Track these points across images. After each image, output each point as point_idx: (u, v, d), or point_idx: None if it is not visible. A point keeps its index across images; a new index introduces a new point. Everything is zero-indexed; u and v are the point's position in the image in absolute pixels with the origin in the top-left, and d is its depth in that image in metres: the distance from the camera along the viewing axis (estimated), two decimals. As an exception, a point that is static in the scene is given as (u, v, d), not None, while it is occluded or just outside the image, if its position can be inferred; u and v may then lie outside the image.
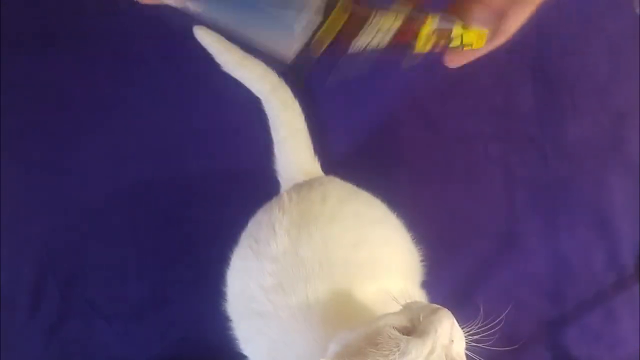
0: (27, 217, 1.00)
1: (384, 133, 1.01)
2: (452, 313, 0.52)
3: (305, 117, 0.91)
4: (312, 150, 0.90)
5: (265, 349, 0.62)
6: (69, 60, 1.02)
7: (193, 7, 0.42)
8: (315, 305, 0.60)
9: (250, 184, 0.97)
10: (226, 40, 0.91)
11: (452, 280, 0.97)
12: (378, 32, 0.44)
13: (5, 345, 0.96)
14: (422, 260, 0.77)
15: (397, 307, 0.54)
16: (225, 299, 0.74)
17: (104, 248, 0.99)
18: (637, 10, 1.03)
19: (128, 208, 1.00)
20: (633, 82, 1.03)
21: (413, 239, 0.77)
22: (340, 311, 0.60)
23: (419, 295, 0.71)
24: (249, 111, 0.95)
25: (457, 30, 0.47)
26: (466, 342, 0.52)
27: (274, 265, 0.63)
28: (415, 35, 0.46)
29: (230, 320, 0.73)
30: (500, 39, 0.49)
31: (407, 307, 0.51)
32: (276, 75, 0.91)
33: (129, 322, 0.98)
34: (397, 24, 0.44)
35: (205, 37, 0.89)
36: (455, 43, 0.48)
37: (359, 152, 1.00)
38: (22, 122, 1.02)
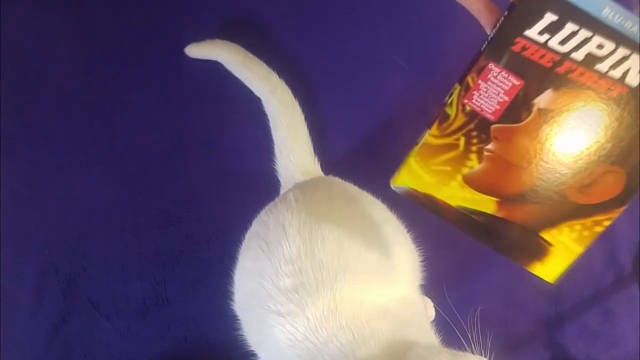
0: (28, 216, 1.00)
1: (384, 133, 1.01)
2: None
3: (305, 117, 0.91)
4: (312, 150, 0.90)
5: (285, 347, 0.62)
6: (70, 60, 1.02)
7: None
8: (342, 305, 0.61)
9: (250, 183, 0.98)
10: (227, 42, 0.92)
11: (450, 279, 0.97)
12: None
13: (8, 344, 0.97)
14: (421, 260, 0.78)
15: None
16: (233, 299, 0.74)
17: (106, 247, 0.99)
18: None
19: (129, 207, 1.00)
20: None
21: (413, 239, 0.77)
22: (365, 314, 0.62)
23: (421, 300, 0.72)
24: (249, 111, 0.95)
25: None
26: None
27: (290, 266, 0.63)
28: None
29: (238, 319, 0.73)
30: None
31: None
32: (277, 76, 0.91)
33: (130, 321, 0.98)
34: None
35: (199, 49, 0.91)
36: None
37: (359, 152, 1.00)
38: (22, 122, 1.02)
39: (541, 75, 0.42)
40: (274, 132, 0.91)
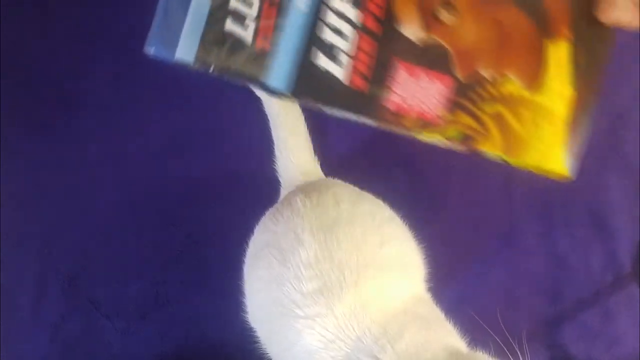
0: (28, 216, 1.00)
1: (384, 133, 1.01)
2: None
3: (305, 118, 0.91)
4: (312, 151, 0.90)
5: (316, 350, 0.62)
6: (71, 60, 1.02)
7: None
8: (369, 301, 0.62)
9: (250, 183, 0.98)
10: None
11: (450, 279, 0.98)
12: None
13: (8, 344, 0.97)
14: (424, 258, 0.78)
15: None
16: (246, 311, 0.74)
17: (106, 247, 0.99)
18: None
19: (129, 207, 1.00)
20: (632, 82, 1.03)
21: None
22: (390, 310, 0.63)
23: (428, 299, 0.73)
24: (249, 111, 0.95)
25: None
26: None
27: (310, 270, 0.64)
28: None
29: (253, 332, 0.73)
30: None
31: None
32: None
33: (130, 321, 0.98)
34: None
35: None
36: None
37: (359, 152, 1.00)
38: (22, 122, 1.02)
39: None
40: (274, 132, 0.90)
